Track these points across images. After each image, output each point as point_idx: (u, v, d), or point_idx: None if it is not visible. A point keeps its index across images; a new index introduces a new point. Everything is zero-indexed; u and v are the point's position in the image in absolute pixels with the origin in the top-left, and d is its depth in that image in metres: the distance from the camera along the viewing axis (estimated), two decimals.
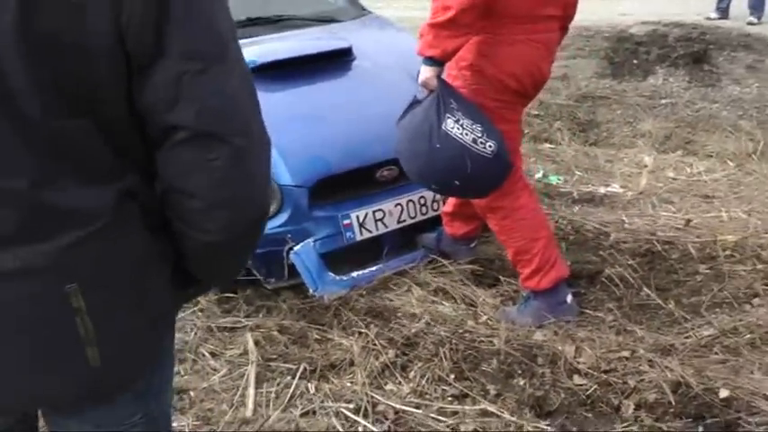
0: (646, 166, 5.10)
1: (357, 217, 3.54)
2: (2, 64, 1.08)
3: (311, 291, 3.49)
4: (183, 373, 3.11)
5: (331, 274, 3.51)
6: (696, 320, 3.16)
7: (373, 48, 4.27)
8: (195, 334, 3.33)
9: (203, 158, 1.21)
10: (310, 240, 3.48)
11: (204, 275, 1.47)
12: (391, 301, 3.44)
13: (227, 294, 3.61)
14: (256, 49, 3.93)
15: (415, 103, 3.16)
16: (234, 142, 1.21)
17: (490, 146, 2.94)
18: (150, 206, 1.30)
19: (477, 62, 3.07)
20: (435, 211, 3.75)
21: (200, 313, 3.51)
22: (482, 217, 3.43)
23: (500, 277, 3.63)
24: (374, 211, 3.58)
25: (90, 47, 1.11)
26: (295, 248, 3.46)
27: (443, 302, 3.43)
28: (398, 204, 3.63)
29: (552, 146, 5.61)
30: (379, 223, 3.59)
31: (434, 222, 3.80)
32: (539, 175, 4.98)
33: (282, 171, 3.42)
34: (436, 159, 3.00)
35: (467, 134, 2.93)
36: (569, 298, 3.31)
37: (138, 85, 1.17)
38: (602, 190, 4.75)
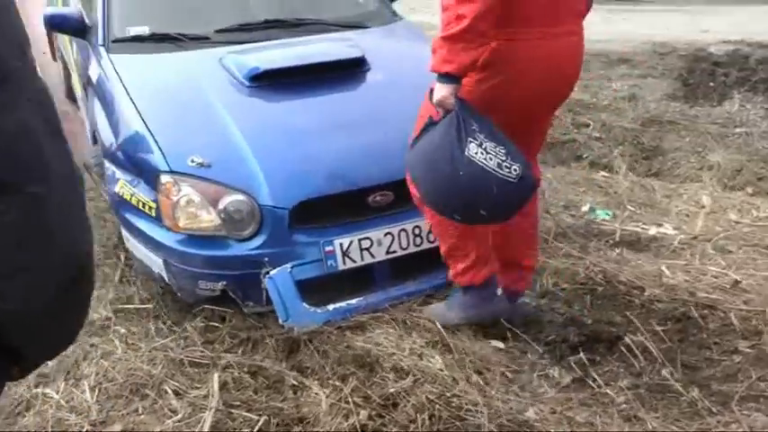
0: (703, 206, 4.54)
1: (341, 244, 3.21)
2: None
3: (280, 320, 3.19)
4: (140, 411, 2.79)
5: (305, 304, 3.20)
6: (724, 416, 2.61)
7: (392, 59, 3.96)
8: (163, 367, 3.00)
9: None
10: (287, 266, 3.18)
11: (23, 350, 1.11)
12: (383, 348, 3.03)
13: (213, 323, 3.27)
14: (260, 56, 3.68)
15: (430, 125, 2.78)
16: (27, 190, 0.94)
17: (515, 169, 2.62)
18: None
19: (486, 69, 2.70)
20: (431, 243, 3.32)
21: (181, 341, 3.18)
22: (418, 208, 3.10)
23: (510, 330, 3.16)
24: (360, 240, 3.24)
25: None
26: (270, 273, 3.17)
27: (436, 356, 2.98)
28: (389, 233, 3.28)
29: (607, 175, 5.07)
30: (366, 252, 3.24)
31: (428, 256, 3.36)
32: (585, 209, 4.47)
33: (262, 189, 3.17)
34: (460, 188, 2.70)
35: (491, 158, 2.62)
36: (499, 291, 3.13)
37: None
38: (651, 231, 4.21)
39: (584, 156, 5.39)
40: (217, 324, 3.27)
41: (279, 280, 3.16)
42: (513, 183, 2.64)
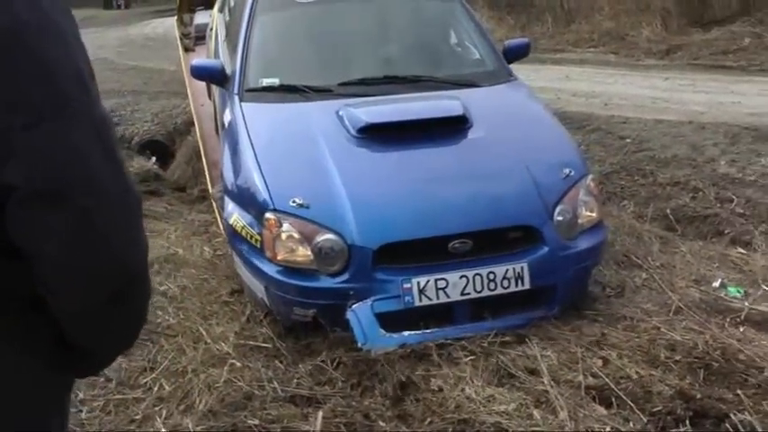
0: None
1: (418, 282, 3.46)
2: None
3: (359, 343, 3.42)
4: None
5: (382, 330, 3.45)
6: None
7: (494, 117, 4.18)
8: (271, 401, 3.17)
9: (43, 220, 1.05)
10: (369, 300, 3.46)
11: (84, 346, 1.24)
12: (478, 402, 3.06)
13: (328, 367, 3.39)
14: (371, 109, 4.03)
15: None
16: (77, 202, 1.06)
17: None
18: (6, 285, 1.12)
19: None
20: (505, 288, 3.55)
21: (294, 381, 3.32)
22: None
23: (617, 397, 3.14)
24: (437, 280, 3.47)
25: None
26: (353, 306, 3.46)
27: (535, 413, 2.96)
28: (464, 276, 3.49)
29: (745, 252, 4.86)
30: (441, 292, 3.48)
31: (507, 299, 3.61)
32: (716, 284, 4.33)
33: (352, 230, 3.49)
34: None
35: None
36: None
37: None
38: None
39: (726, 231, 5.20)
40: (331, 367, 3.36)
41: (360, 312, 3.45)
42: None
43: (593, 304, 3.90)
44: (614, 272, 4.31)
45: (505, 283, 3.54)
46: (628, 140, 7.01)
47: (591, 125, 7.57)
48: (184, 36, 9.45)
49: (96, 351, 1.27)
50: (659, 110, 8.03)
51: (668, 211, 5.39)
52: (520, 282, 3.56)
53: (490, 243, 3.60)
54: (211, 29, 6.94)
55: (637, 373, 3.24)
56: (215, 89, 5.64)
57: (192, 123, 7.27)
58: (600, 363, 3.30)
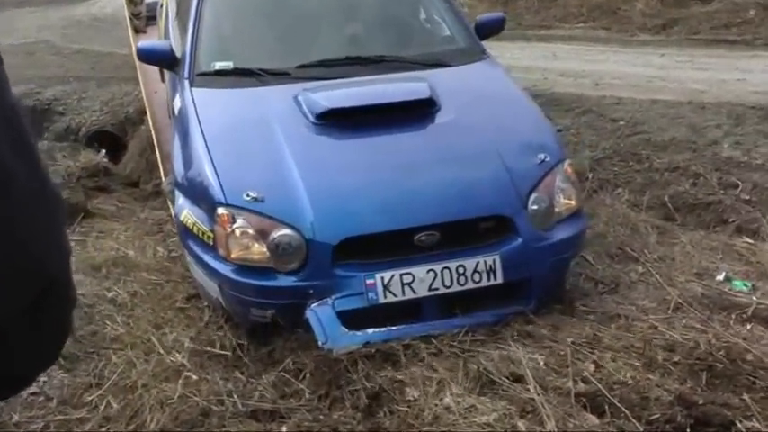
0: None
1: (382, 278, 3.48)
2: None
3: (320, 343, 3.43)
4: None
5: (344, 328, 3.47)
6: None
7: (464, 100, 4.21)
8: (229, 417, 3.11)
9: None
10: (329, 299, 3.49)
11: (5, 363, 1.16)
12: (458, 412, 3.03)
13: (292, 378, 3.36)
14: (330, 94, 4.04)
15: None
16: None
17: None
18: None
19: None
20: (476, 283, 3.56)
21: (256, 393, 3.27)
22: None
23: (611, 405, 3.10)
24: (402, 275, 3.50)
25: None
26: (313, 305, 3.48)
27: (520, 425, 2.96)
28: (431, 270, 3.52)
29: (751, 242, 4.85)
30: (407, 287, 3.50)
31: (477, 294, 3.62)
32: (720, 278, 4.31)
33: (310, 224, 3.50)
34: None
35: None
36: None
37: None
38: None
39: (730, 220, 5.19)
40: (296, 378, 3.33)
41: (320, 311, 3.47)
42: None
43: (585, 301, 3.88)
44: (607, 266, 4.31)
45: (476, 277, 3.56)
46: (621, 123, 7.00)
47: (581, 107, 7.56)
48: (134, 16, 9.32)
49: (14, 369, 1.21)
50: (655, 89, 8.03)
51: (666, 198, 5.39)
52: (492, 275, 3.58)
53: (459, 235, 3.62)
54: (161, 6, 6.85)
55: (632, 377, 3.24)
56: (167, 74, 5.57)
57: (145, 112, 7.17)
58: (591, 366, 3.29)
